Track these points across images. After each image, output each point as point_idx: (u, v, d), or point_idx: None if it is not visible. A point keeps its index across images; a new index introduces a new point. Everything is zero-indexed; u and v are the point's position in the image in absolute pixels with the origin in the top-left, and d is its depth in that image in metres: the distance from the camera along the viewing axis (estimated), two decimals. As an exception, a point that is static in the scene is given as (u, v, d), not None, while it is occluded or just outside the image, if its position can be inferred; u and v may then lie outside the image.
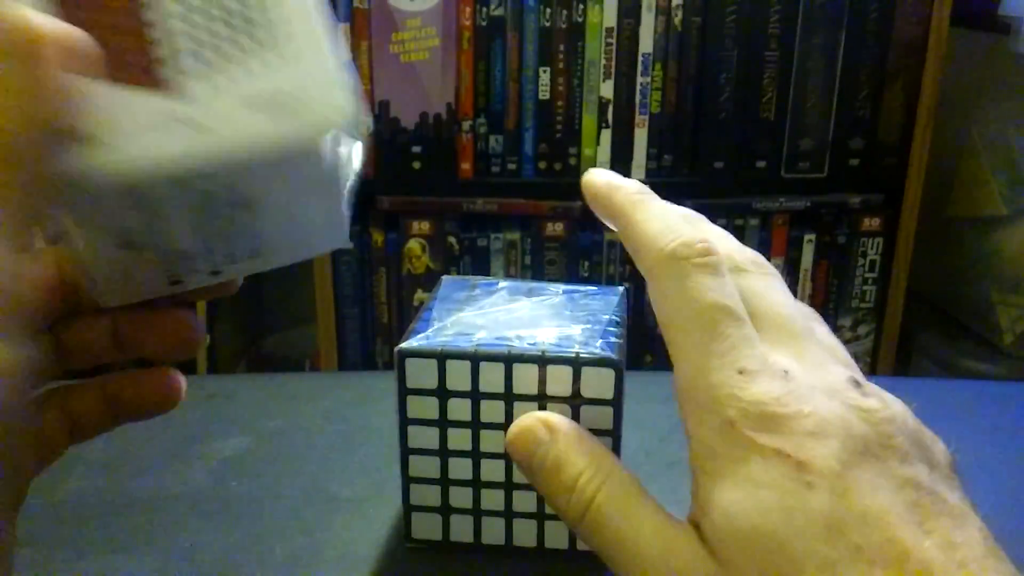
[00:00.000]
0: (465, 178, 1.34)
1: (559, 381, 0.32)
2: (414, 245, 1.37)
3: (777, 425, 0.25)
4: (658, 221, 0.29)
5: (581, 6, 1.27)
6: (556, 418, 0.30)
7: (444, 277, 0.40)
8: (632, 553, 0.26)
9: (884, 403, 0.26)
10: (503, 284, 0.38)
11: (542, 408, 0.32)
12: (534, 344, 0.33)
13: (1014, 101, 1.38)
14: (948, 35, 1.28)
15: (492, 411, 0.33)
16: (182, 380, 0.28)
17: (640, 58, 1.30)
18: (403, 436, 0.34)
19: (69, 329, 0.27)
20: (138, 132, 0.21)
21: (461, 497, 0.34)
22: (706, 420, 0.26)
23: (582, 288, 0.38)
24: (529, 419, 0.30)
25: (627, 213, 0.31)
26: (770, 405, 0.25)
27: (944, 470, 0.26)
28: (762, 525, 0.24)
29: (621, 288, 0.39)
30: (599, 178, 0.33)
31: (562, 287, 0.38)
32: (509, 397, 0.33)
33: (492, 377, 0.32)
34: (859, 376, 0.28)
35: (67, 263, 0.26)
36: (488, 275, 1.39)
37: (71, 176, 0.20)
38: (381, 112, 1.31)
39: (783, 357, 0.27)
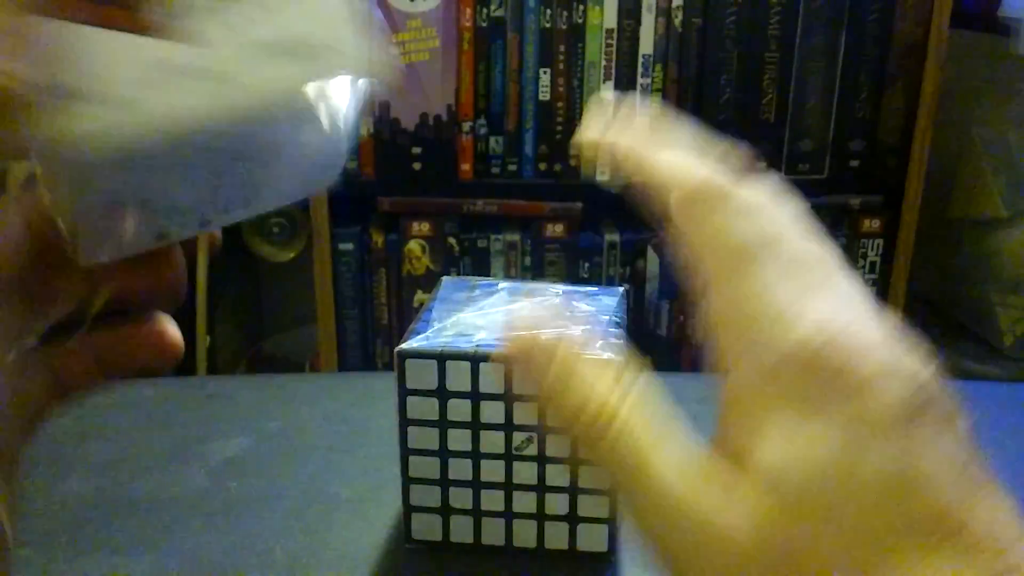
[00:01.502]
0: (465, 179, 1.34)
1: None
2: (414, 246, 1.37)
3: (842, 360, 0.22)
4: (675, 160, 0.27)
5: (581, 7, 1.27)
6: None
7: (444, 278, 0.40)
8: (656, 495, 0.23)
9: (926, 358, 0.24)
10: (503, 285, 0.38)
11: (541, 411, 0.32)
12: None
13: (1014, 103, 1.38)
14: (948, 36, 1.28)
15: (491, 412, 0.33)
16: (176, 332, 0.25)
17: (640, 59, 1.30)
18: (403, 437, 0.34)
19: (43, 283, 0.23)
20: (138, 85, 0.18)
21: (461, 498, 0.34)
22: (758, 352, 0.23)
23: (582, 289, 0.38)
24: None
25: (640, 156, 0.28)
26: (836, 336, 0.23)
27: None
28: (815, 488, 0.21)
29: (621, 289, 0.39)
30: (588, 137, 0.29)
31: (562, 288, 0.38)
32: (508, 398, 0.33)
33: (492, 378, 0.32)
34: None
35: (40, 214, 0.22)
36: (488, 276, 1.39)
37: (54, 138, 0.18)
38: (381, 113, 1.31)
39: (829, 296, 0.25)
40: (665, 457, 0.24)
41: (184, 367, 1.54)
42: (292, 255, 1.44)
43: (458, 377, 0.33)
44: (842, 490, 0.21)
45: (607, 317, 0.35)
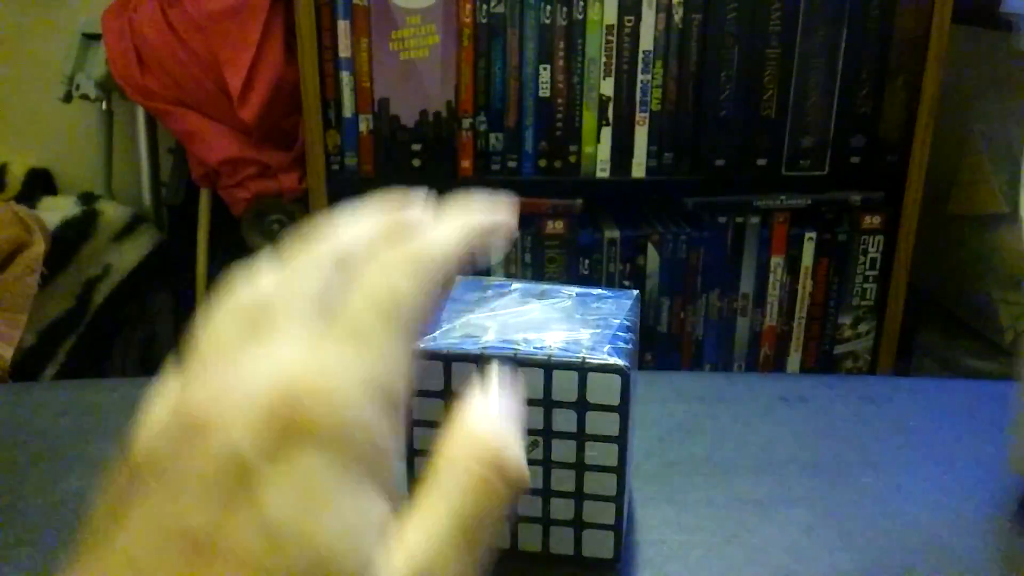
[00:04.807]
0: (465, 176, 1.34)
1: (564, 386, 0.32)
2: (414, 243, 1.37)
3: None
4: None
5: (581, 3, 1.27)
6: None
7: (458, 277, 0.40)
8: None
9: None
10: (516, 286, 0.38)
11: (547, 413, 0.32)
12: (541, 348, 0.32)
13: (1015, 98, 1.38)
14: (949, 32, 1.28)
15: None
16: None
17: (641, 55, 1.30)
18: (409, 438, 0.34)
19: None
20: None
21: None
22: None
23: (595, 291, 0.38)
24: None
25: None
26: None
27: None
28: None
29: (635, 292, 0.39)
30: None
31: (575, 290, 0.38)
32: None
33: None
34: None
35: None
36: (487, 273, 1.39)
37: None
38: (381, 110, 1.31)
39: None
40: None
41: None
42: (292, 252, 1.44)
43: (464, 379, 0.32)
44: None
45: (618, 321, 0.35)
